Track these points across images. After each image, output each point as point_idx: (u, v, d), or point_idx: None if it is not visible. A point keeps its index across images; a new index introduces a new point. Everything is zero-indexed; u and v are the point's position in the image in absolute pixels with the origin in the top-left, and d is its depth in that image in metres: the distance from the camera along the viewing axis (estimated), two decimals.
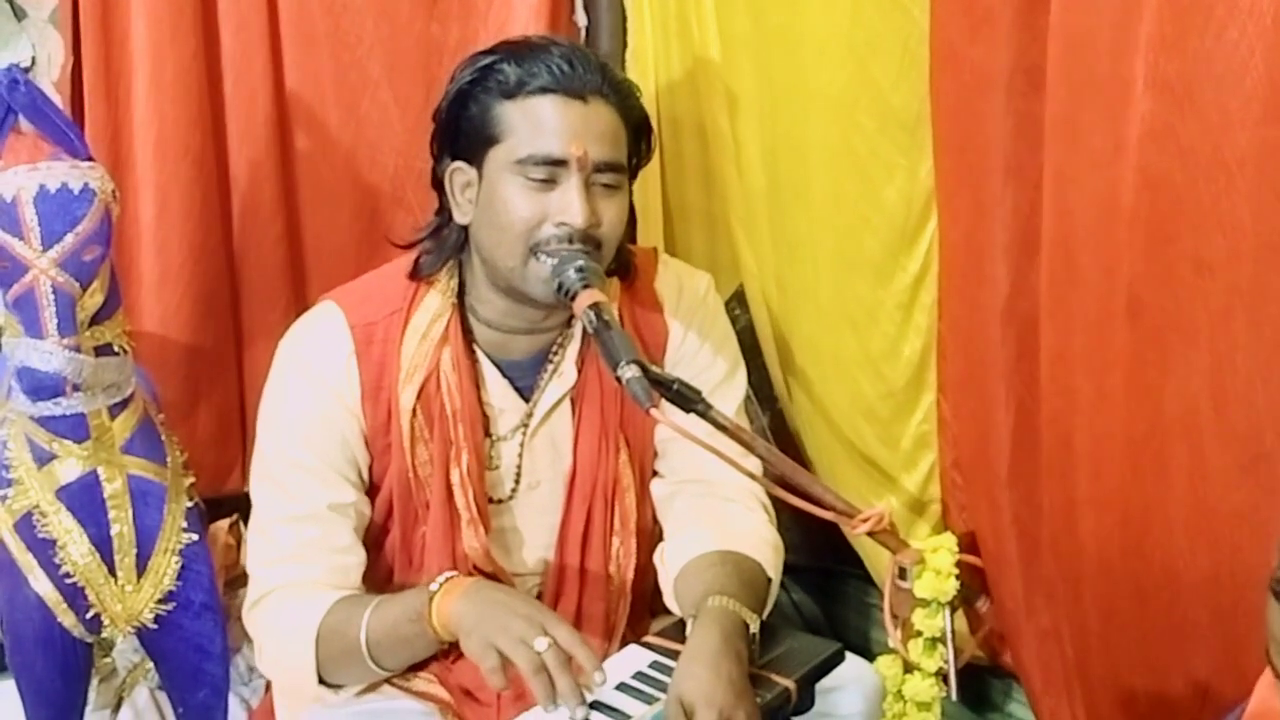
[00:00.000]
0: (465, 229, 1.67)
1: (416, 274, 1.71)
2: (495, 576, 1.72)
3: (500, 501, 1.75)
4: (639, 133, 1.67)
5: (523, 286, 1.61)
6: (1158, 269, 1.52)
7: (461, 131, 1.63)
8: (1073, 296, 1.63)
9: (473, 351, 1.71)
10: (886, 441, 2.03)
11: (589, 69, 1.59)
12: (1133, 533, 1.65)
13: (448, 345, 1.68)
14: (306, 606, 1.63)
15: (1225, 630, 1.56)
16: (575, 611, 1.75)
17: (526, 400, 1.73)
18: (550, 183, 1.57)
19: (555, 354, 1.73)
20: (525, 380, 1.73)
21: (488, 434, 1.73)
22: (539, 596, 1.76)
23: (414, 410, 1.67)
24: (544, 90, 1.57)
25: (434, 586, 1.54)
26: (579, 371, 1.73)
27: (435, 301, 1.70)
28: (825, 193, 1.98)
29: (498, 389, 1.72)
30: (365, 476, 1.71)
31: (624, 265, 1.74)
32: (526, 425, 1.74)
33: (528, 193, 1.57)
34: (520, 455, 1.74)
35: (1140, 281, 1.54)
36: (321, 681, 1.63)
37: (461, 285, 1.71)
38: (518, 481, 1.75)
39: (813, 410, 2.20)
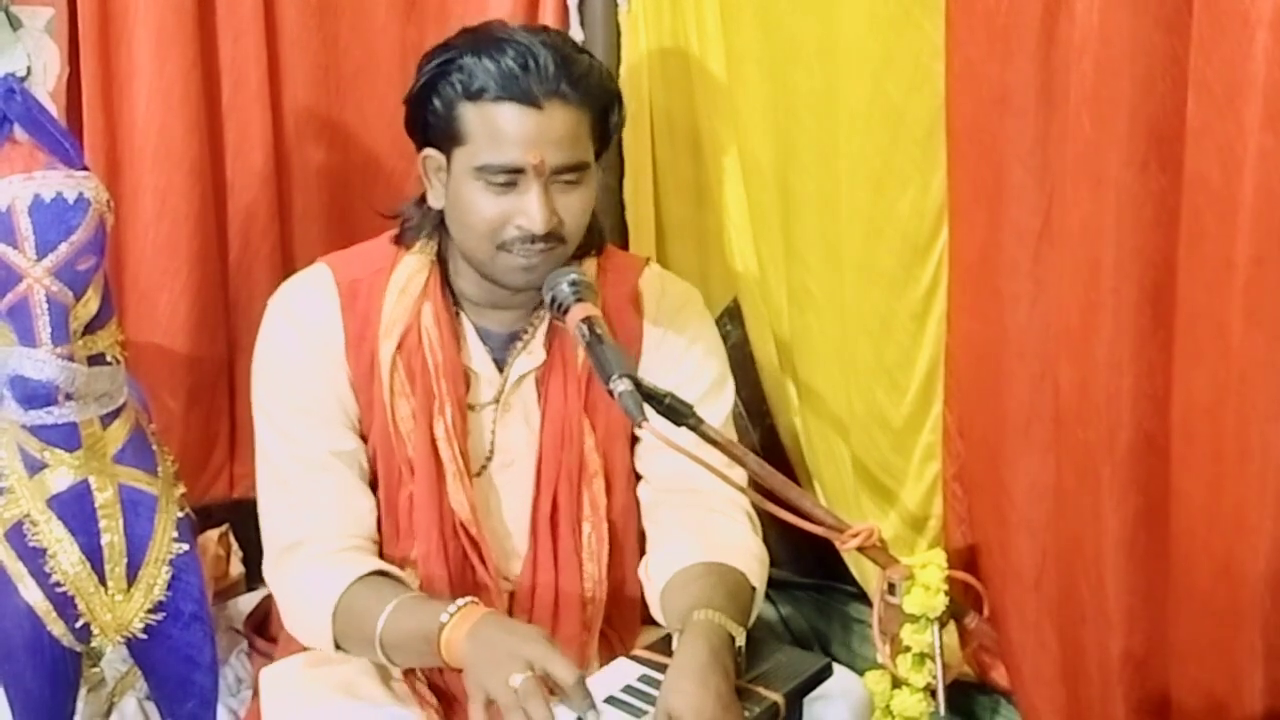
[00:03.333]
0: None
1: (401, 239, 1.76)
2: (478, 545, 1.73)
3: (475, 475, 1.76)
4: (606, 112, 1.70)
5: (494, 276, 1.67)
6: (1190, 269, 1.53)
7: (429, 124, 1.67)
8: (1099, 301, 1.63)
9: (453, 309, 1.74)
10: (900, 450, 2.04)
11: (544, 70, 1.59)
12: (1156, 543, 1.66)
13: (428, 300, 1.72)
14: (326, 579, 1.65)
15: (1254, 644, 1.57)
16: (552, 600, 1.76)
17: (500, 373, 1.76)
18: (510, 185, 1.61)
19: (526, 331, 1.76)
20: (500, 353, 1.77)
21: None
22: (519, 584, 1.78)
23: (394, 363, 1.70)
24: (499, 99, 1.59)
25: (444, 618, 1.53)
26: (547, 352, 1.75)
27: (414, 261, 1.74)
28: (845, 204, 2.00)
29: (477, 352, 1.76)
30: (358, 426, 1.74)
31: (596, 235, 1.78)
32: (498, 400, 1.75)
33: (489, 196, 1.62)
34: (493, 430, 1.76)
35: (1175, 281, 1.56)
36: (338, 647, 1.66)
37: (443, 252, 1.75)
38: (490, 458, 1.77)
39: (821, 423, 2.21)
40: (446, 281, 1.75)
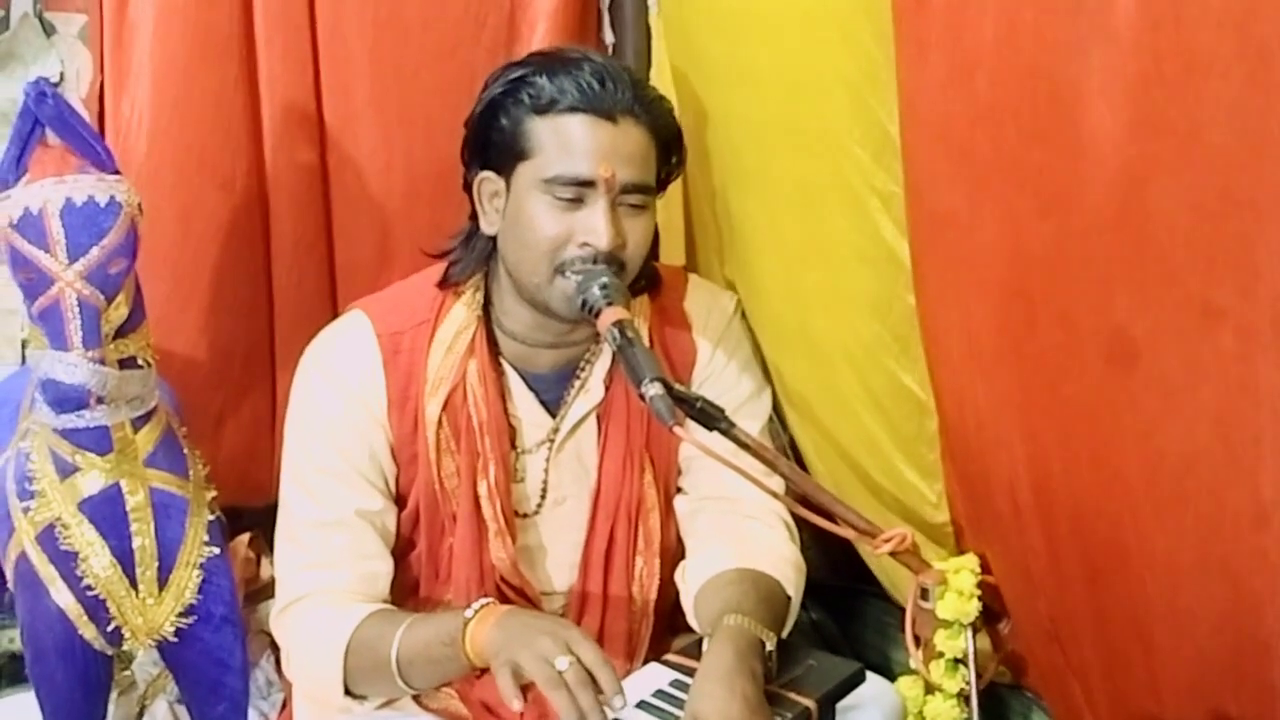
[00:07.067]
0: (493, 238, 1.67)
1: (446, 281, 1.72)
2: (522, 590, 1.72)
3: (526, 516, 1.75)
4: (669, 147, 1.68)
5: (547, 302, 1.61)
6: (1158, 312, 1.47)
7: (491, 142, 1.64)
8: (1041, 337, 1.59)
9: (499, 363, 1.72)
10: (890, 474, 2.00)
11: (620, 87, 1.59)
12: (1134, 571, 1.63)
13: (473, 357, 1.69)
14: (337, 618, 1.63)
15: (1239, 668, 1.54)
16: (598, 631, 1.75)
17: (552, 415, 1.73)
18: (577, 202, 1.57)
19: (583, 369, 1.74)
20: (551, 394, 1.74)
21: (513, 446, 1.73)
22: (563, 615, 1.76)
23: (440, 421, 1.68)
24: (574, 109, 1.57)
25: (469, 613, 1.53)
26: (606, 389, 1.73)
27: (461, 313, 1.70)
28: (813, 231, 1.94)
29: (524, 401, 1.73)
30: (392, 486, 1.72)
31: (651, 280, 1.74)
32: (553, 440, 1.74)
33: (554, 211, 1.58)
34: (546, 470, 1.74)
35: (1135, 324, 1.48)
36: (347, 692, 1.63)
37: (488, 297, 1.72)
38: (543, 496, 1.75)
39: (820, 439, 2.18)
40: (490, 333, 1.72)
